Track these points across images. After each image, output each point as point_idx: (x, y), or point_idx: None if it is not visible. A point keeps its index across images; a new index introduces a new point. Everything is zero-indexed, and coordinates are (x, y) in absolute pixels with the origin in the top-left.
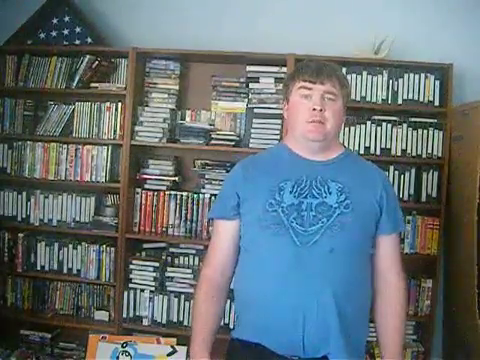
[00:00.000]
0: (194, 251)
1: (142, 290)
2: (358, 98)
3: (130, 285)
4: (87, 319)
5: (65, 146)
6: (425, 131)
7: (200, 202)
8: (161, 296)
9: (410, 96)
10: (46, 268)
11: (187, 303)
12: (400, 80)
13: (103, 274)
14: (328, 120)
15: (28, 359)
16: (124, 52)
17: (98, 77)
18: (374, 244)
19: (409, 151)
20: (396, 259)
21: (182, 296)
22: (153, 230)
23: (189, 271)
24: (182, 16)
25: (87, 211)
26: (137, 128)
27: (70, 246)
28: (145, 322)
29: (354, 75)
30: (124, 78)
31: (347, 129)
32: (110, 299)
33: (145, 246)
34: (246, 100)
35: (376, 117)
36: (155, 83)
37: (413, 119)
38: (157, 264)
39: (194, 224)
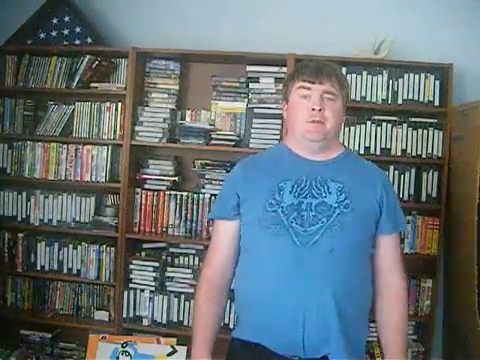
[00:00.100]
0: (194, 251)
1: (142, 290)
2: (358, 98)
3: (130, 285)
4: (87, 319)
5: (65, 146)
6: (425, 131)
7: (200, 202)
8: (161, 296)
9: (410, 96)
10: (46, 268)
11: (187, 303)
12: (400, 80)
13: (103, 274)
14: (328, 120)
15: (28, 359)
16: (124, 52)
17: (98, 77)
18: (374, 244)
19: (409, 151)
20: (397, 259)
21: (182, 296)
22: (153, 230)
23: (189, 271)
24: (182, 16)
25: (87, 211)
26: (137, 128)
27: (70, 246)
28: (145, 322)
29: (354, 75)
30: (124, 78)
31: (347, 129)
32: (110, 299)
33: (145, 246)
34: (246, 100)
35: (376, 117)
36: (155, 83)
37: (413, 119)
38: (157, 264)
39: (194, 224)
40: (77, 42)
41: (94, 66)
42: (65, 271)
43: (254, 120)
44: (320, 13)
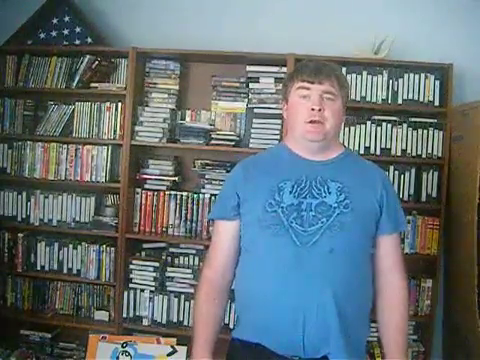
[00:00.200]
0: (194, 251)
1: (142, 290)
2: (358, 98)
3: (130, 285)
4: (87, 319)
5: (65, 146)
6: (425, 131)
7: (200, 202)
8: (161, 296)
9: (410, 96)
10: (46, 268)
11: (187, 303)
12: (400, 80)
13: (103, 274)
14: (327, 120)
15: (28, 359)
16: (124, 52)
17: (98, 77)
18: (375, 244)
19: (409, 151)
20: (397, 259)
21: (182, 296)
22: (153, 230)
23: (189, 271)
24: (182, 16)
25: (87, 211)
26: (137, 128)
27: (70, 246)
28: (145, 322)
29: (354, 75)
30: (124, 78)
31: (347, 129)
32: (110, 299)
33: (145, 246)
34: (246, 100)
35: (376, 117)
36: (155, 83)
37: (413, 119)
38: (157, 264)
39: (194, 224)
40: (77, 42)
41: (94, 66)
42: (65, 271)
43: (254, 120)
44: (320, 13)
